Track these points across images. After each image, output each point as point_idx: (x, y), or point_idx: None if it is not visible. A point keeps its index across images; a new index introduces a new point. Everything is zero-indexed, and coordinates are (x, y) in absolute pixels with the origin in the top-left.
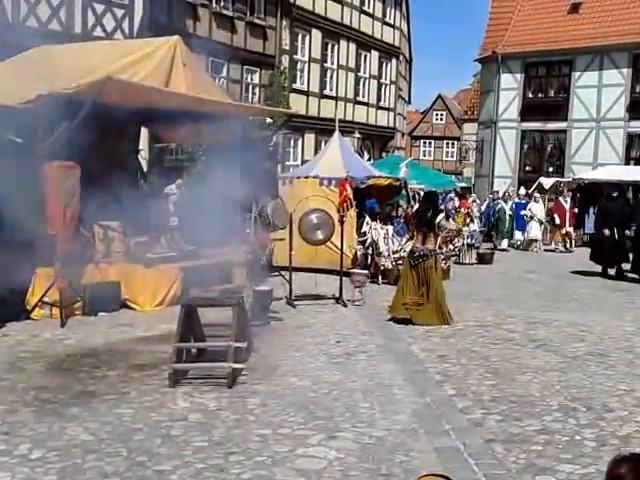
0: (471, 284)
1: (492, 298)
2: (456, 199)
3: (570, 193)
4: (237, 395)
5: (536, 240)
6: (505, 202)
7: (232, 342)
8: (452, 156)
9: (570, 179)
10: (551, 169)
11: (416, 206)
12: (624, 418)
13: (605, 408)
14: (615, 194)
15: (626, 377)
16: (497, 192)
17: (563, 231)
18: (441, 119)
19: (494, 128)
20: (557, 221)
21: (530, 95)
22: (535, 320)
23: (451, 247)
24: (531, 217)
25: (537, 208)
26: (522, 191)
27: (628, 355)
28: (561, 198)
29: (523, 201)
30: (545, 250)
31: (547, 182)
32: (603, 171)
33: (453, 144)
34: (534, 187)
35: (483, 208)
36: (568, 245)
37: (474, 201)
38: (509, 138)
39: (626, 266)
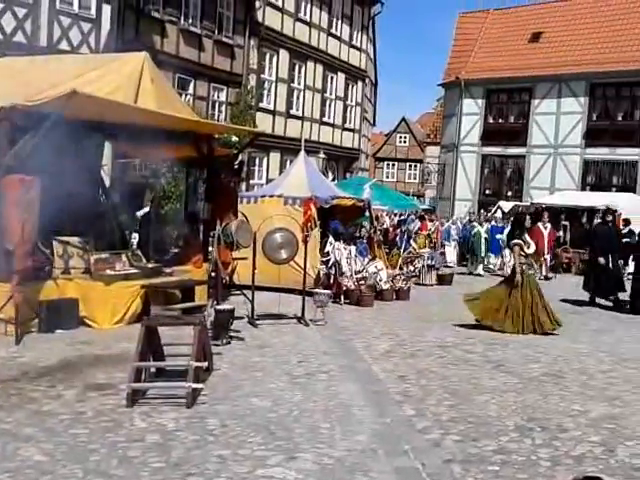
0: (431, 305)
1: (451, 319)
2: (417, 221)
3: (547, 219)
4: (196, 415)
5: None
6: (481, 225)
7: (192, 361)
8: (414, 178)
9: (528, 203)
10: (510, 193)
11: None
12: (577, 438)
13: (560, 428)
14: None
15: (580, 398)
16: (473, 213)
17: (542, 258)
18: (404, 142)
19: (456, 152)
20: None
21: (491, 120)
22: (493, 341)
23: (411, 268)
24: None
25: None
26: (498, 214)
27: (582, 376)
28: (540, 224)
29: (499, 225)
30: None
31: (506, 206)
32: (560, 196)
33: (416, 166)
34: (493, 211)
35: (460, 226)
36: (544, 272)
37: (453, 223)
38: (470, 162)
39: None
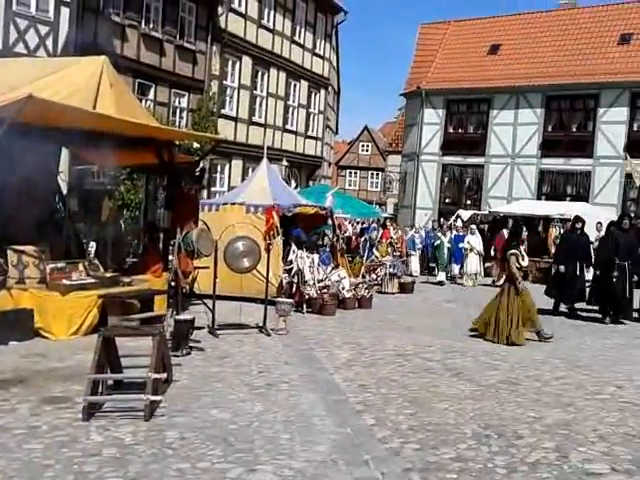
0: (392, 313)
1: (412, 327)
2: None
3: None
4: (155, 428)
5: (475, 274)
6: (444, 234)
7: (151, 373)
8: (376, 187)
9: (486, 212)
10: (469, 202)
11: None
12: (533, 445)
13: (515, 435)
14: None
15: (535, 405)
16: (436, 221)
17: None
18: (367, 150)
19: (417, 161)
20: (492, 253)
21: (451, 130)
22: (452, 349)
23: (374, 276)
24: (470, 249)
25: (475, 241)
26: (459, 223)
27: (537, 383)
28: (505, 230)
29: (461, 233)
30: (483, 284)
31: (465, 214)
32: (517, 205)
33: (378, 175)
34: (452, 219)
35: (423, 235)
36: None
37: (416, 232)
38: (431, 171)
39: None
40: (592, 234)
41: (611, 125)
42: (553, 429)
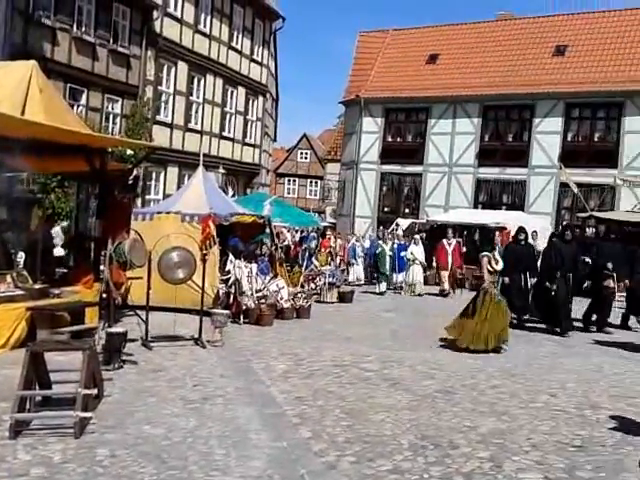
0: (331, 323)
1: (350, 337)
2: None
3: (452, 235)
4: (85, 446)
5: (417, 283)
6: (385, 243)
7: (81, 388)
8: (315, 195)
9: (424, 220)
10: (407, 210)
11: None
12: (468, 454)
13: (451, 445)
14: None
15: (471, 414)
16: (382, 230)
17: (446, 274)
18: (306, 158)
19: (355, 169)
20: (434, 264)
21: (390, 139)
22: (389, 359)
23: (313, 286)
24: (413, 260)
25: (418, 251)
26: (400, 232)
27: (473, 392)
28: (445, 240)
29: (403, 242)
30: (428, 294)
31: (404, 223)
32: (454, 213)
33: (317, 183)
34: (391, 228)
35: (366, 245)
36: (449, 288)
37: (357, 241)
38: (369, 179)
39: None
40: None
41: (546, 135)
42: (488, 438)
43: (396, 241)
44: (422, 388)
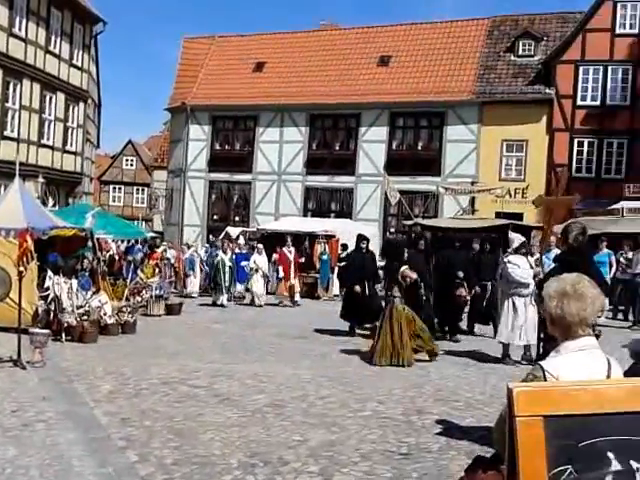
0: (158, 337)
1: (178, 352)
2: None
3: (290, 243)
4: None
5: (259, 294)
6: (224, 253)
7: None
8: (143, 202)
9: (254, 229)
10: (237, 218)
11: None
12: (298, 470)
13: (281, 461)
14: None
15: (301, 427)
16: (216, 239)
17: (288, 284)
18: (131, 165)
19: (183, 177)
20: (281, 274)
21: (218, 147)
22: (219, 373)
23: (138, 299)
24: (256, 270)
25: (261, 260)
26: (241, 240)
27: (302, 404)
28: (285, 249)
29: (244, 251)
30: (269, 304)
31: (234, 231)
32: (284, 222)
33: (144, 190)
34: (221, 236)
35: (203, 256)
36: (296, 298)
37: (196, 251)
38: (198, 187)
39: None
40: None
41: (372, 144)
42: (318, 451)
43: (236, 250)
44: (251, 403)
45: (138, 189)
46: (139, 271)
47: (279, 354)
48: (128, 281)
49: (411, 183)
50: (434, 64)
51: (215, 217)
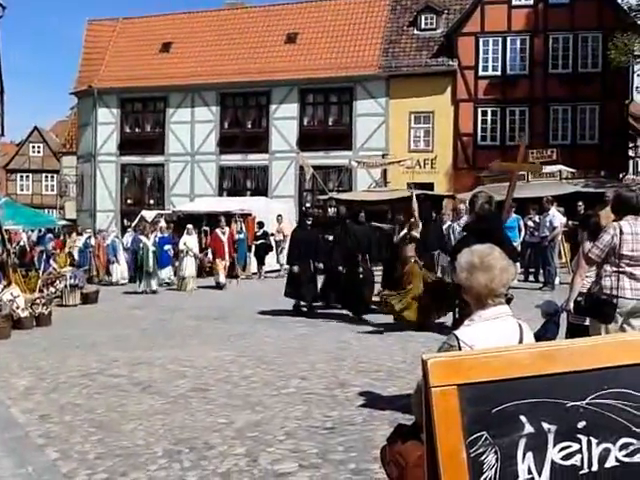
0: (75, 328)
1: (97, 341)
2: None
3: (224, 223)
4: None
5: (190, 277)
6: (147, 237)
7: None
8: (52, 190)
9: (170, 211)
10: (152, 201)
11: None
12: (224, 453)
13: (207, 446)
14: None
15: (225, 409)
16: (139, 224)
17: (223, 264)
18: (39, 152)
19: (94, 162)
20: (210, 255)
21: (128, 130)
22: (139, 361)
23: (53, 290)
24: (186, 252)
25: (192, 241)
26: (163, 223)
27: (227, 386)
28: (218, 230)
29: (166, 235)
30: (202, 287)
31: (149, 215)
32: (200, 202)
33: (53, 177)
34: (137, 220)
35: (128, 244)
36: (221, 279)
37: (117, 237)
38: (109, 172)
39: None
40: (272, 228)
41: (284, 121)
42: (243, 433)
43: (158, 234)
44: (174, 389)
45: (47, 176)
46: (52, 261)
47: (200, 337)
48: (41, 272)
49: (324, 158)
50: (340, 40)
51: (129, 201)
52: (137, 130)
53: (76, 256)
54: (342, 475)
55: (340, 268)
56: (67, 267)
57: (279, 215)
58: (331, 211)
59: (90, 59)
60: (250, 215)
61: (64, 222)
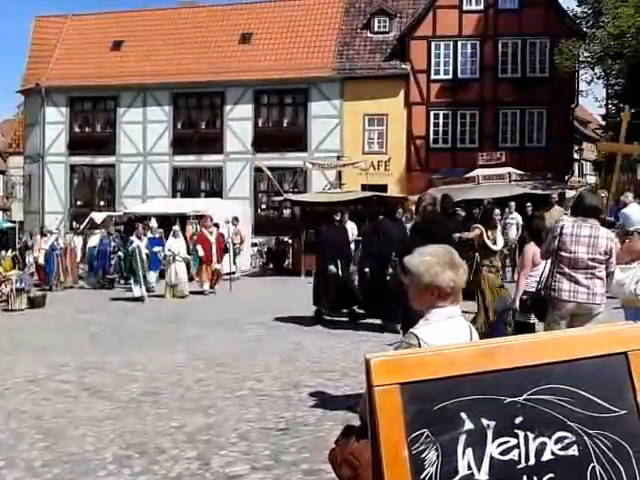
0: (22, 333)
1: (45, 346)
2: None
3: (211, 224)
4: None
5: (181, 283)
6: (139, 239)
7: None
8: None
9: (121, 213)
10: (103, 203)
11: None
12: (175, 457)
13: (158, 450)
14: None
15: (177, 413)
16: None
17: (210, 269)
18: None
19: (42, 162)
20: (200, 253)
21: (77, 129)
22: (89, 365)
23: None
24: (173, 256)
25: (179, 244)
26: (154, 223)
27: (179, 389)
28: (205, 230)
29: (157, 236)
30: (193, 292)
31: (99, 216)
32: (152, 204)
33: None
34: (86, 222)
35: (93, 244)
36: (215, 285)
37: (103, 238)
38: (58, 173)
39: None
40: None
41: (238, 122)
42: (195, 436)
43: (149, 235)
44: (125, 393)
45: None
46: None
47: (152, 341)
48: None
49: (279, 159)
50: (294, 41)
51: (79, 203)
52: (87, 130)
53: (41, 260)
54: (294, 476)
55: (367, 270)
56: (13, 271)
57: (234, 217)
58: (286, 212)
59: (38, 56)
60: (203, 217)
61: (10, 224)
